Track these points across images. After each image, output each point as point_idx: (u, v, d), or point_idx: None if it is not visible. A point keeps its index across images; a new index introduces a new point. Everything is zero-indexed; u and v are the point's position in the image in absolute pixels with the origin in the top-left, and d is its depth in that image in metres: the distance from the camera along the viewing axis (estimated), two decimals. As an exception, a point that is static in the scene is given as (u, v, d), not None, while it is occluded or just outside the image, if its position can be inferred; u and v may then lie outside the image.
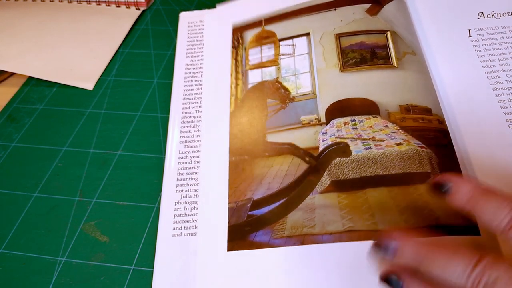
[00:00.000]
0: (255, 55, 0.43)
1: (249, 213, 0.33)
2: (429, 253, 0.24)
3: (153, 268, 0.33)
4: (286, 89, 0.39)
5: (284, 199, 0.33)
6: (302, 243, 0.30)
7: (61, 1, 0.61)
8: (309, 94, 0.39)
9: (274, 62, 0.42)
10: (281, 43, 0.43)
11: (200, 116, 0.41)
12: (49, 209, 0.39)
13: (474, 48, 0.39)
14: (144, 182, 0.40)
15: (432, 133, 0.34)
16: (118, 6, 0.59)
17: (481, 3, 0.42)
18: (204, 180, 0.37)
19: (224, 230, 0.33)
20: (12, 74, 0.52)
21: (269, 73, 0.41)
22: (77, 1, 0.60)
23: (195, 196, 0.36)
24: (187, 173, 0.38)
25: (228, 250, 0.32)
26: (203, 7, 0.51)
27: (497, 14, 0.41)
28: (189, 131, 0.41)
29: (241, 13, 0.46)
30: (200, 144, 0.39)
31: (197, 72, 0.45)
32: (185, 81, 0.45)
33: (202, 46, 0.47)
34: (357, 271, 0.28)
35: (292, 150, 0.35)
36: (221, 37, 0.46)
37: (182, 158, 0.39)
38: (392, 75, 0.38)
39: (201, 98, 0.43)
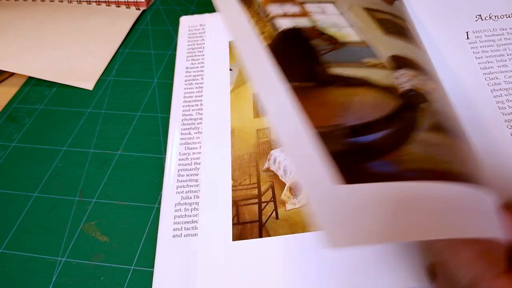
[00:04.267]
0: (275, 9, 0.32)
1: (350, 140, 0.25)
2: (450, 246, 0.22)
3: (153, 268, 0.33)
4: (330, 36, 0.30)
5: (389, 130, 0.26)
6: None
7: (61, 1, 0.61)
8: (361, 42, 0.31)
9: (304, 14, 0.31)
10: (305, 5, 0.33)
11: (201, 118, 0.41)
12: (49, 209, 0.39)
13: (472, 50, 0.39)
14: (144, 182, 0.40)
15: None
16: (118, 6, 0.59)
17: (478, 5, 0.42)
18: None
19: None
20: (12, 74, 0.52)
21: (301, 22, 0.31)
22: (77, 1, 0.60)
23: (196, 197, 0.36)
24: (187, 175, 0.38)
25: (346, 183, 0.23)
26: (203, 7, 0.51)
27: (495, 16, 0.41)
28: (190, 133, 0.41)
29: None
30: (200, 146, 0.39)
31: (197, 75, 0.45)
32: (185, 84, 0.45)
33: (202, 50, 0.47)
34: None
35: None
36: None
37: (182, 159, 0.39)
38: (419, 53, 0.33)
39: (201, 100, 0.43)
